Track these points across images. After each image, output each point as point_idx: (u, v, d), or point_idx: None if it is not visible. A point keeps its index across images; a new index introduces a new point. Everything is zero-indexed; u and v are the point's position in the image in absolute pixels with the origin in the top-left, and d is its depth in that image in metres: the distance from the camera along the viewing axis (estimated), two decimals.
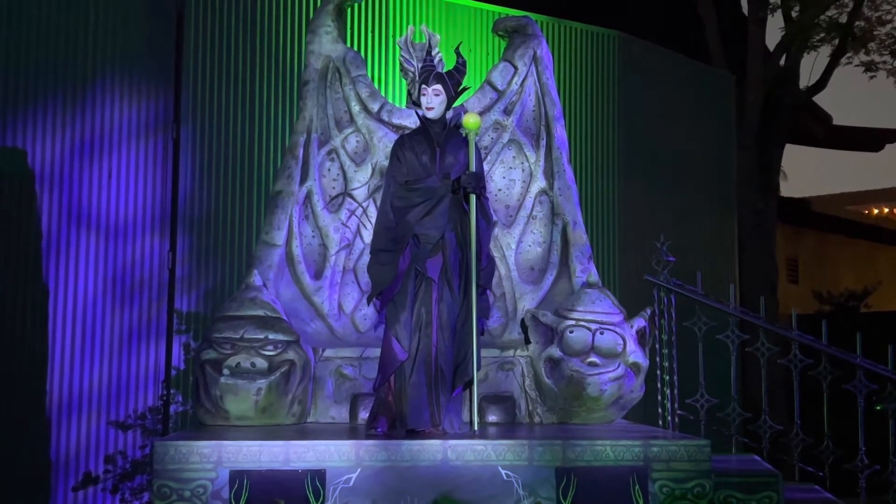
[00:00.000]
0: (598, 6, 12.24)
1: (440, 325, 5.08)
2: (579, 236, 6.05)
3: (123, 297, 7.28)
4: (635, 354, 5.56)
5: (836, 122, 16.98)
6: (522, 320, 5.80)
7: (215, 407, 5.28)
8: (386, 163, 5.73)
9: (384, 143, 6.01)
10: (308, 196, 6.04)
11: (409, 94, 5.70)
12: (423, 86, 5.28)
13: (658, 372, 6.70)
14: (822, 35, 13.12)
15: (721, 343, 6.75)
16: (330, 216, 6.05)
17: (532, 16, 6.89)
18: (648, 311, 5.85)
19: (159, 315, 7.39)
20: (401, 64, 5.70)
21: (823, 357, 6.67)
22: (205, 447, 4.54)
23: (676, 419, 6.78)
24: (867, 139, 17.41)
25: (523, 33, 6.31)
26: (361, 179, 6.08)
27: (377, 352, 5.24)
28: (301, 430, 5.14)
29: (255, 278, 5.65)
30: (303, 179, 6.02)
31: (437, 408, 5.02)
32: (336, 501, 4.50)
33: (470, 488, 4.56)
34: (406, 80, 5.72)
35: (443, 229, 5.15)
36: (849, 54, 13.42)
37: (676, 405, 6.79)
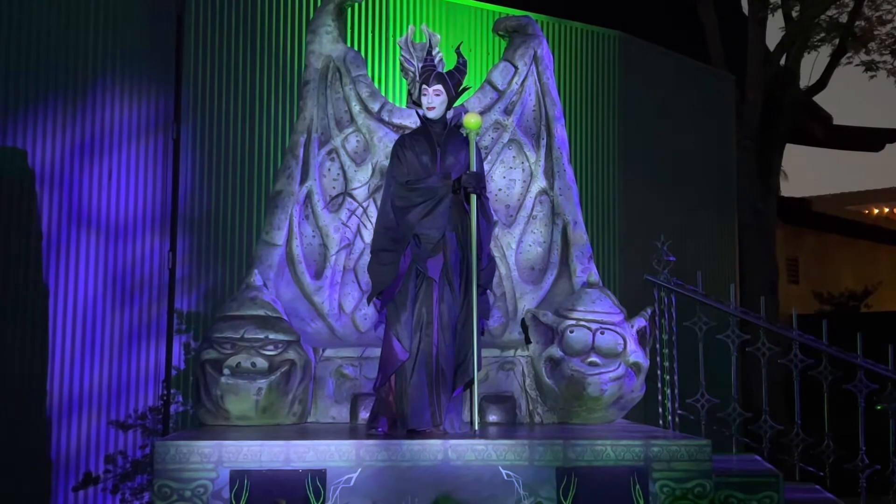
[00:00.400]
0: (598, 6, 12.23)
1: (441, 325, 5.07)
2: (579, 236, 6.05)
3: (123, 298, 7.28)
4: (636, 354, 5.56)
5: (836, 122, 16.98)
6: (523, 320, 5.79)
7: (216, 407, 5.28)
8: (386, 163, 5.72)
9: (384, 142, 6.00)
10: (308, 196, 6.03)
11: (410, 93, 5.70)
12: (424, 86, 5.26)
13: (658, 372, 6.70)
14: (823, 35, 13.12)
15: (721, 343, 6.74)
16: (330, 216, 6.05)
17: (532, 16, 6.89)
18: (649, 311, 5.84)
19: (159, 315, 7.39)
20: (401, 64, 5.70)
21: (824, 357, 6.67)
22: (205, 447, 4.53)
23: (677, 419, 6.78)
24: (867, 139, 17.40)
25: (524, 33, 6.30)
26: (362, 179, 6.08)
27: (377, 352, 5.23)
28: (302, 430, 5.14)
29: (256, 278, 5.64)
30: (303, 179, 6.02)
31: (438, 408, 5.01)
32: (337, 501, 4.50)
33: (470, 488, 4.55)
34: (406, 79, 5.71)
35: (443, 229, 5.14)
36: (849, 54, 13.41)
37: (677, 405, 6.79)
